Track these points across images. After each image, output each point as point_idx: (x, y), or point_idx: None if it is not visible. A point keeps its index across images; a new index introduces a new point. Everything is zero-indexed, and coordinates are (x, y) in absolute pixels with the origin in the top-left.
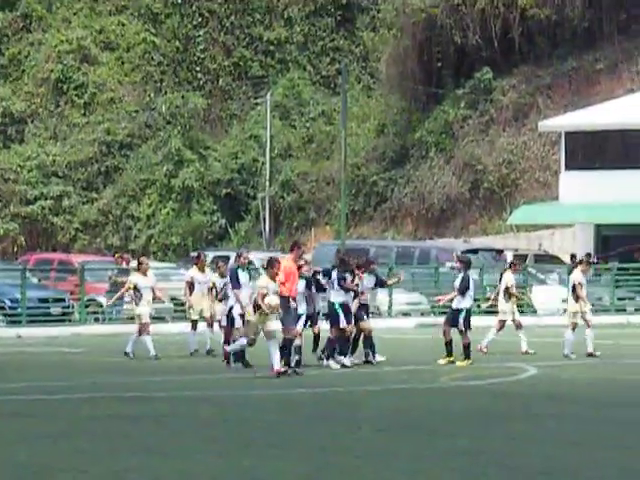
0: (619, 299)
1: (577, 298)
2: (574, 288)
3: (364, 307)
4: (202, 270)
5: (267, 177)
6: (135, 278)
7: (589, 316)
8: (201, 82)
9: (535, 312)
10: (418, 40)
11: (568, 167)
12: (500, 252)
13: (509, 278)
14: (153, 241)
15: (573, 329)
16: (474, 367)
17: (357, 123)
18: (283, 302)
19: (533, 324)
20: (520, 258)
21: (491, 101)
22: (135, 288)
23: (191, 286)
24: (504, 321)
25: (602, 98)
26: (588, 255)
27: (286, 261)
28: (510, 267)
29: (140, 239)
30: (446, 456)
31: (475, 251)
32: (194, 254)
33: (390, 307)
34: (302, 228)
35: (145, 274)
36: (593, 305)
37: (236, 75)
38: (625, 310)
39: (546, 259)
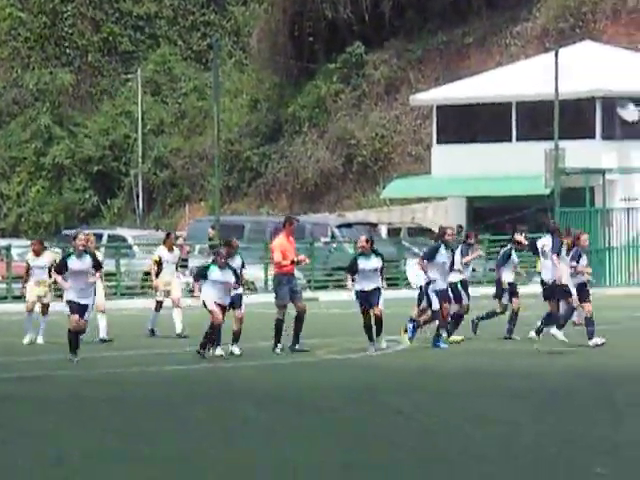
0: (491, 270)
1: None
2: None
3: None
4: (171, 249)
5: (139, 154)
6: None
7: None
8: (70, 58)
9: (409, 285)
10: (289, 14)
11: (440, 141)
12: (374, 226)
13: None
14: (23, 219)
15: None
16: (350, 341)
17: (230, 98)
18: (280, 279)
19: (407, 297)
20: (394, 231)
21: (363, 75)
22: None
23: (159, 265)
24: None
25: (472, 72)
26: (460, 227)
27: (280, 238)
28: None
29: (10, 217)
30: (321, 429)
31: (349, 225)
32: (69, 232)
33: (266, 283)
34: (176, 205)
35: (171, 249)
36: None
37: (105, 51)
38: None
39: (419, 232)
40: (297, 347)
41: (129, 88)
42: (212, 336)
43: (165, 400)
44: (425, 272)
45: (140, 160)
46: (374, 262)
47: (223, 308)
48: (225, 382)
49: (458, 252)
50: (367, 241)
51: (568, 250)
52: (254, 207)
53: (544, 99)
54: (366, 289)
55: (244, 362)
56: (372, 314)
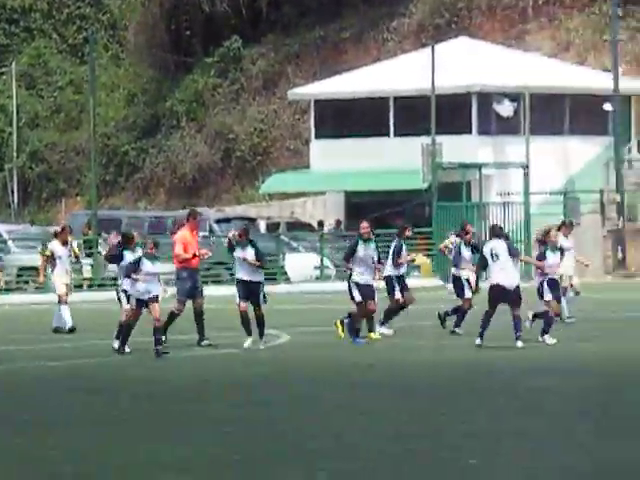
0: None
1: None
2: (562, 252)
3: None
4: (65, 243)
5: (14, 148)
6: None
7: (575, 280)
8: None
9: (288, 280)
10: (166, 8)
11: (318, 135)
12: (253, 220)
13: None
14: None
15: (563, 294)
16: (226, 336)
17: (106, 92)
18: (180, 273)
19: (286, 291)
20: (273, 226)
21: (241, 70)
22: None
23: (52, 260)
24: None
25: (350, 67)
26: (338, 221)
27: (183, 231)
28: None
29: None
30: (208, 423)
31: (228, 220)
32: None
33: None
34: (52, 199)
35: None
36: (345, 271)
37: None
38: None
39: (298, 227)
40: (204, 343)
41: (3, 82)
42: (123, 334)
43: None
44: (349, 269)
45: (15, 154)
46: (249, 253)
47: (144, 303)
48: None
49: (393, 246)
50: (240, 234)
51: (474, 248)
52: (132, 202)
53: (421, 94)
54: (246, 279)
55: (128, 356)
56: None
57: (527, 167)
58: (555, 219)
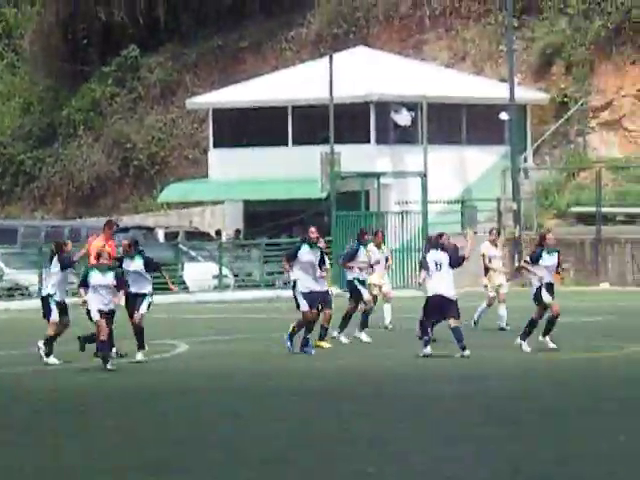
0: (268, 274)
1: (486, 271)
2: (490, 261)
3: None
4: (379, 246)
5: None
6: None
7: (503, 290)
8: None
9: (187, 289)
10: (62, 17)
11: (216, 144)
12: (151, 230)
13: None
14: None
15: (489, 304)
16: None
17: (2, 101)
18: None
19: (185, 301)
20: (171, 235)
21: (139, 79)
22: None
23: None
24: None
25: (248, 76)
26: (237, 231)
27: (97, 241)
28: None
29: None
30: (98, 432)
31: (126, 229)
32: None
33: (39, 289)
34: None
35: None
36: (243, 281)
37: None
38: (274, 285)
39: (197, 236)
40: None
41: None
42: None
43: None
44: (287, 271)
45: None
46: (137, 264)
47: (108, 314)
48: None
49: (348, 249)
50: (129, 245)
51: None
52: (28, 211)
53: (319, 103)
54: (132, 291)
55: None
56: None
57: (425, 176)
58: (453, 228)
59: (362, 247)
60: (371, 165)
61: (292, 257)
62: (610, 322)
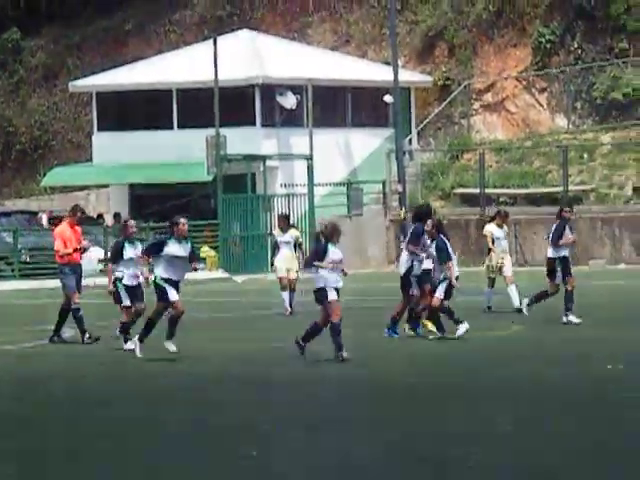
0: None
1: (489, 252)
2: (493, 242)
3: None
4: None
5: None
6: None
7: (508, 271)
8: None
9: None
10: None
11: (100, 128)
12: (35, 214)
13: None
14: None
15: (491, 285)
16: (22, 332)
17: None
18: (63, 268)
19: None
20: (56, 220)
21: (20, 62)
22: None
23: None
24: None
25: (132, 58)
26: (117, 214)
27: (62, 226)
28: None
29: None
30: None
31: (8, 214)
32: None
33: None
34: None
35: None
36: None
37: None
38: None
39: (82, 220)
40: (55, 339)
41: None
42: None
43: None
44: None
45: None
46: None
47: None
48: None
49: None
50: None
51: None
52: None
53: (204, 86)
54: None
55: None
56: None
57: (311, 159)
58: (339, 210)
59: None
60: (257, 148)
61: (152, 252)
62: (497, 301)
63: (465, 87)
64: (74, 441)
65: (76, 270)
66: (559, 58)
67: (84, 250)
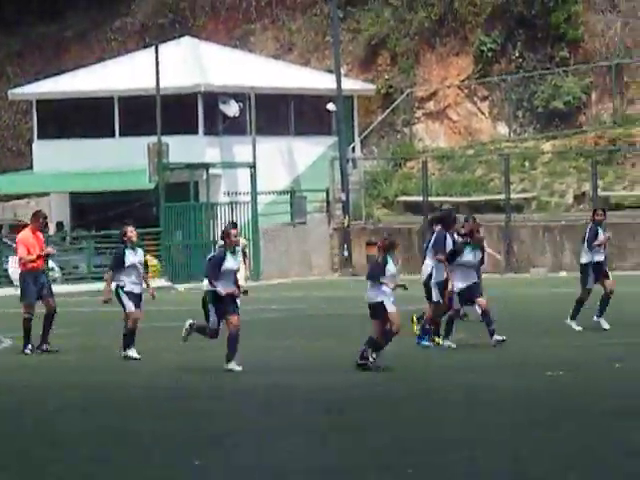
0: (96, 266)
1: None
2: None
3: None
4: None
5: None
6: None
7: None
8: None
9: (12, 283)
10: None
11: (41, 136)
12: None
13: None
14: None
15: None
16: None
17: None
18: (25, 276)
19: (9, 295)
20: (18, 227)
21: None
22: None
23: None
24: None
25: (73, 66)
26: (60, 224)
27: (25, 232)
28: None
29: None
30: None
31: None
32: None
33: None
34: None
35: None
36: (70, 274)
37: None
38: (102, 278)
39: (22, 229)
40: (44, 347)
41: None
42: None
43: None
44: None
45: None
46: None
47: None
48: None
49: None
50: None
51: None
52: None
53: (146, 94)
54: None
55: None
56: None
57: (254, 167)
58: (282, 218)
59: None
60: (200, 156)
61: (119, 266)
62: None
63: (408, 95)
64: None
65: (38, 278)
66: (500, 66)
67: (47, 256)
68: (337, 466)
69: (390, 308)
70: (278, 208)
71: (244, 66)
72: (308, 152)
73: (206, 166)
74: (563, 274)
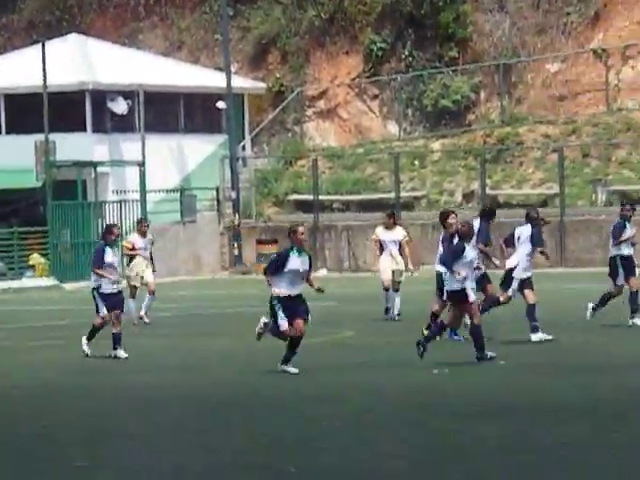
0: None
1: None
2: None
3: None
4: (143, 235)
5: None
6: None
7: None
8: None
9: None
10: None
11: None
12: None
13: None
14: None
15: (386, 289)
16: None
17: None
18: None
19: None
20: None
21: None
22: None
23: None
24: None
25: None
26: None
27: None
28: None
29: None
30: None
31: None
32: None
33: None
34: None
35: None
36: None
37: None
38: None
39: None
40: None
41: None
42: None
43: None
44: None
45: None
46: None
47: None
48: None
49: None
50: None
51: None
52: None
53: (33, 92)
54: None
55: None
56: None
57: (143, 165)
58: (172, 216)
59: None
60: (88, 154)
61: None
62: (326, 308)
63: (298, 94)
64: None
65: None
66: (390, 65)
67: None
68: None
69: (471, 297)
70: (168, 206)
71: (133, 63)
72: (198, 150)
73: (94, 164)
74: None
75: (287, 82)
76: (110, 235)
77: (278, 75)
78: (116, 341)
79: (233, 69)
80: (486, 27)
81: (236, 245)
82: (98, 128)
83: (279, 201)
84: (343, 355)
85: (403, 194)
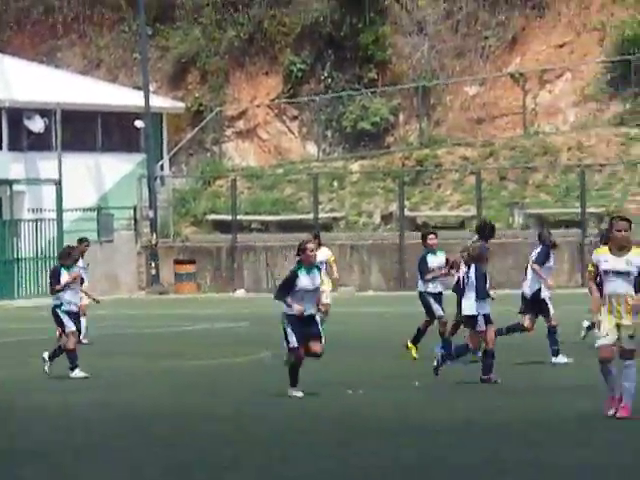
0: None
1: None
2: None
3: None
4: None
5: None
6: None
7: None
8: None
9: None
10: None
11: None
12: None
13: None
14: None
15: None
16: None
17: None
18: None
19: None
20: None
21: None
22: None
23: None
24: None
25: None
26: None
27: None
28: None
29: None
30: None
31: None
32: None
33: None
34: None
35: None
36: None
37: None
38: None
39: None
40: None
41: None
42: None
43: None
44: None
45: None
46: None
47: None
48: None
49: None
50: None
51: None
52: None
53: None
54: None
55: None
56: None
57: (59, 183)
58: (89, 235)
59: None
60: (4, 172)
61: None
62: (243, 328)
63: (217, 114)
64: None
65: None
66: (310, 86)
67: None
68: None
69: (482, 326)
70: (84, 225)
71: (50, 82)
72: (116, 169)
73: (10, 182)
74: (370, 293)
75: (206, 102)
76: (66, 259)
77: (197, 95)
78: (73, 360)
79: (152, 88)
80: (405, 49)
81: (153, 265)
82: (14, 146)
83: (197, 221)
84: (259, 376)
85: (322, 215)
